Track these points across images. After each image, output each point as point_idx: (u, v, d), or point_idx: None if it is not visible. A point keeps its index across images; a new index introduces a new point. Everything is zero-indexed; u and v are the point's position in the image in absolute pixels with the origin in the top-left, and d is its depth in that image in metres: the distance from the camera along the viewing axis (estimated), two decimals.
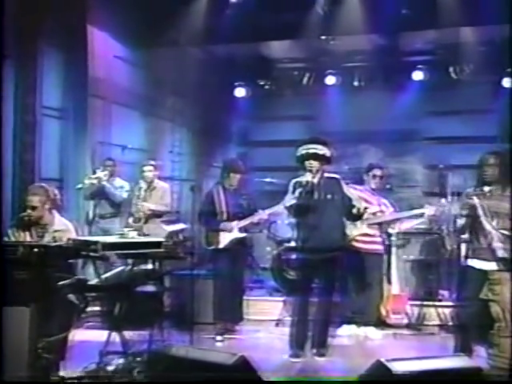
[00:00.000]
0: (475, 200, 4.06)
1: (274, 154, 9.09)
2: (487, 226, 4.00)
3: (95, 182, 6.05)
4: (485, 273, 4.09)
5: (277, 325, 5.65)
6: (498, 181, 4.10)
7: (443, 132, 8.75)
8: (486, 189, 4.12)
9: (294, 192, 4.58)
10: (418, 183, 8.98)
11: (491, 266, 4.06)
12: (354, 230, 5.26)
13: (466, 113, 8.49)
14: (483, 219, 4.01)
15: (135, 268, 4.58)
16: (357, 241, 5.32)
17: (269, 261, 6.67)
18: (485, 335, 4.13)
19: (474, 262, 4.14)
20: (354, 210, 4.51)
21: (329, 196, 4.57)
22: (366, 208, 4.60)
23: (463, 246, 4.34)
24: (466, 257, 4.19)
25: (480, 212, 4.03)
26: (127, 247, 4.20)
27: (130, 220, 5.96)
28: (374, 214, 5.36)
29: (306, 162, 4.59)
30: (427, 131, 8.96)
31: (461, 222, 4.14)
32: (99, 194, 6.19)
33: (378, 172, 5.48)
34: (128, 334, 4.18)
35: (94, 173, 6.12)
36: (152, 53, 7.33)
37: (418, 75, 8.41)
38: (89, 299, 4.22)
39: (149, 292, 4.90)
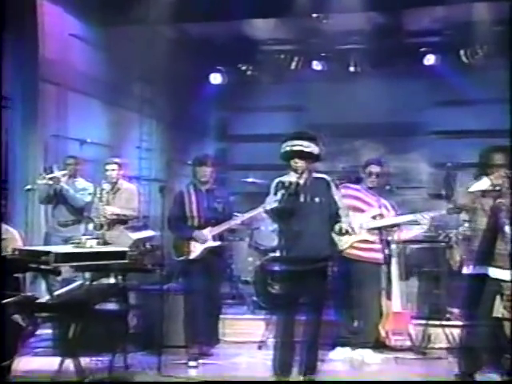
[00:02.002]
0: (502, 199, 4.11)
1: (257, 150, 9.12)
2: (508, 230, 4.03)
3: (51, 182, 6.01)
4: (498, 283, 4.13)
5: (259, 347, 5.64)
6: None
7: (452, 125, 8.83)
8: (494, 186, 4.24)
9: (276, 193, 4.57)
10: (422, 184, 9.03)
11: (506, 275, 4.11)
12: (352, 236, 5.26)
13: (480, 103, 8.55)
14: (505, 221, 4.05)
15: (94, 283, 4.58)
16: (353, 248, 5.34)
17: (250, 273, 6.67)
18: (498, 360, 4.16)
19: (488, 270, 4.18)
20: (336, 228, 4.53)
21: (316, 199, 4.58)
22: (352, 229, 4.63)
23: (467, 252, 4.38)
24: (475, 264, 4.23)
25: (503, 214, 4.07)
26: (85, 258, 4.21)
27: (91, 226, 5.93)
28: (373, 217, 5.37)
29: (291, 161, 4.60)
30: (434, 124, 9.03)
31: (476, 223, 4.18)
32: (57, 197, 6.15)
33: (374, 169, 5.49)
34: (84, 360, 4.14)
35: (49, 171, 6.06)
36: (115, 31, 7.29)
37: (423, 59, 8.47)
38: (38, 320, 4.17)
39: (110, 311, 4.88)
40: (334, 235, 4.86)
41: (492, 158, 4.31)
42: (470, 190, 4.38)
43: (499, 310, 4.32)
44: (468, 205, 4.37)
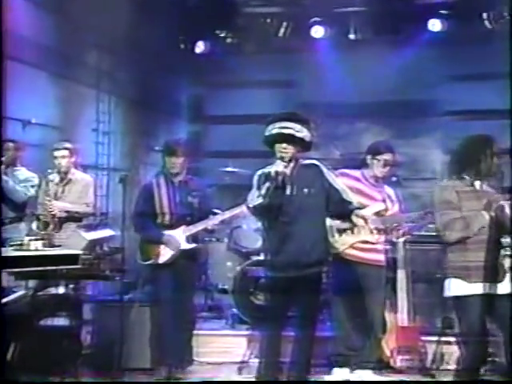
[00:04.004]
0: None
1: (239, 134, 9.09)
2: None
3: None
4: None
5: (240, 370, 5.64)
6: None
7: (471, 103, 8.84)
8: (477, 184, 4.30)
9: (259, 188, 4.57)
10: (435, 174, 9.06)
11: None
12: (350, 237, 5.27)
13: (504, 77, 8.52)
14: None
15: (40, 293, 4.59)
16: (353, 248, 5.34)
17: (229, 280, 6.66)
18: None
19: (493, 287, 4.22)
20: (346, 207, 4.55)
21: (306, 190, 4.60)
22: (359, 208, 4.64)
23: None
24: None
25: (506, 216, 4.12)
26: (28, 263, 4.19)
27: (34, 225, 5.90)
28: (377, 213, 5.35)
29: (277, 146, 4.61)
30: (449, 102, 9.05)
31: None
32: None
33: (389, 157, 5.44)
34: None
35: None
36: None
37: (437, 24, 8.48)
38: None
39: (59, 327, 4.87)
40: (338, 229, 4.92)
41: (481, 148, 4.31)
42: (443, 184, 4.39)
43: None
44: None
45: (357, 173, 5.46)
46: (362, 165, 5.57)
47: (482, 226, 4.18)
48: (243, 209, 5.16)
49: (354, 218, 4.57)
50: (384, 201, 5.45)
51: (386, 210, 5.44)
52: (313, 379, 4.73)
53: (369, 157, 5.47)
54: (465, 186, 4.31)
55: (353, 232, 5.27)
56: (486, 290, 4.20)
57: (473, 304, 4.23)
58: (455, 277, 4.27)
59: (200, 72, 9.71)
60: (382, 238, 5.46)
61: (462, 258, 4.27)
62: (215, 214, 5.48)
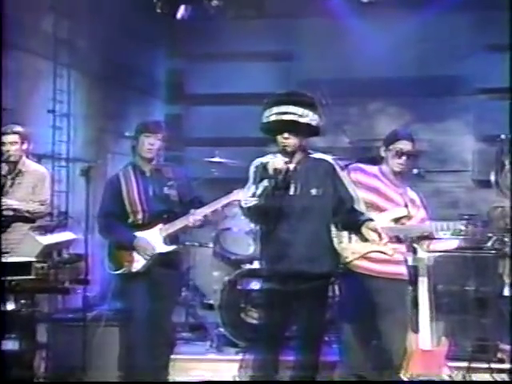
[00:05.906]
0: None
1: (227, 117, 9.09)
2: None
3: None
4: None
5: None
6: None
7: (510, 79, 8.84)
8: None
9: (256, 184, 4.59)
10: (465, 166, 9.09)
11: None
12: (362, 245, 5.25)
13: None
14: None
15: None
16: (364, 258, 5.32)
17: (217, 293, 6.67)
18: None
19: None
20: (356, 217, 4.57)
21: (314, 191, 4.61)
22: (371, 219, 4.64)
23: None
24: None
25: None
26: None
27: None
28: (397, 220, 5.33)
29: (278, 136, 4.62)
30: (482, 78, 9.06)
31: None
32: None
33: (406, 146, 5.36)
34: None
35: None
36: None
37: None
38: None
39: (7, 352, 4.87)
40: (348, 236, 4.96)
41: None
42: None
43: None
44: None
45: (374, 169, 5.41)
46: (373, 159, 5.55)
47: None
48: (234, 198, 5.16)
49: (364, 231, 4.56)
50: (406, 205, 5.39)
51: (409, 217, 5.41)
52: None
53: (382, 149, 5.42)
54: None
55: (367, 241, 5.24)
56: None
57: None
58: None
59: (180, 41, 9.71)
60: (402, 249, 5.42)
61: None
62: (198, 206, 5.42)
